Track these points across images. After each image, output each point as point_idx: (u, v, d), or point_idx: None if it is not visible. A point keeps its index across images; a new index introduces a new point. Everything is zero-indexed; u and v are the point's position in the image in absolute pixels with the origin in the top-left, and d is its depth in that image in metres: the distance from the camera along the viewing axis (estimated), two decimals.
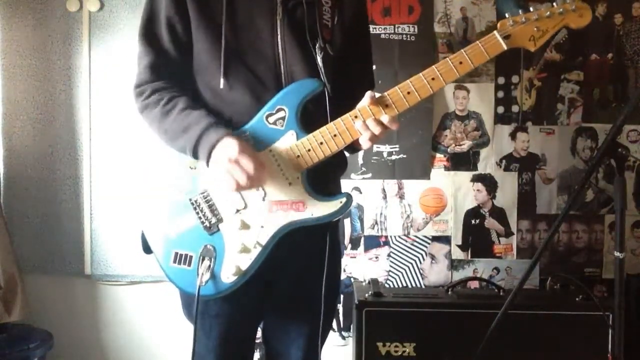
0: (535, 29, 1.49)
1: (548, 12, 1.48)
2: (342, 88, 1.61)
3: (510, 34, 1.49)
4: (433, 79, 1.50)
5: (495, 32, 1.49)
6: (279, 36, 1.56)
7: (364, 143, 1.53)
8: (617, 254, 1.74)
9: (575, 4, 1.49)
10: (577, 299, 2.40)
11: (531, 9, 1.50)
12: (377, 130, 1.50)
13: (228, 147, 1.47)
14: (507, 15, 1.50)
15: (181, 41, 1.59)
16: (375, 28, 2.66)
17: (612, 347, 2.23)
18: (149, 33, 1.60)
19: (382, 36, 2.66)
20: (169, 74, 1.61)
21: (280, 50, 1.56)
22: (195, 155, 1.53)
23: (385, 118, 1.49)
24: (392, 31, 2.67)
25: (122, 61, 2.63)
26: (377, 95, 1.52)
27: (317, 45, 1.56)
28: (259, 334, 1.82)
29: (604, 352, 2.28)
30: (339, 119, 1.52)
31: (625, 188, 1.75)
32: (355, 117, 1.51)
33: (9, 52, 2.69)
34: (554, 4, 1.49)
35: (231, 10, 1.55)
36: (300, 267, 1.65)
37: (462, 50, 1.50)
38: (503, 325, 1.93)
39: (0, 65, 2.69)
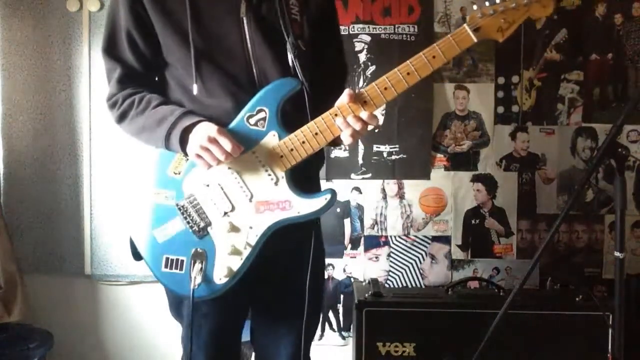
0: (502, 20, 1.49)
1: (514, 4, 1.49)
2: (317, 81, 1.60)
3: (480, 26, 1.50)
4: (408, 73, 1.51)
5: (465, 25, 1.51)
6: (247, 35, 1.55)
7: (346, 139, 1.54)
8: (617, 254, 1.74)
9: None
10: (577, 299, 2.39)
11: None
12: (357, 126, 1.50)
13: (207, 127, 1.49)
14: (474, 7, 1.51)
15: (143, 54, 1.60)
16: (375, 28, 2.66)
17: (612, 347, 2.23)
18: (111, 48, 1.61)
19: (382, 36, 2.66)
20: (136, 83, 1.62)
21: (249, 49, 1.55)
22: (167, 143, 1.53)
23: (364, 114, 1.50)
24: (392, 31, 2.67)
25: None
26: (356, 92, 1.52)
27: (289, 42, 1.55)
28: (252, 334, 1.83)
29: (604, 352, 2.28)
30: (319, 117, 1.53)
31: (625, 188, 1.75)
32: (335, 115, 1.52)
33: (9, 52, 2.69)
34: None
35: (195, 13, 1.54)
36: (286, 265, 1.66)
37: (434, 44, 1.51)
38: (503, 325, 1.93)
39: (0, 65, 2.69)
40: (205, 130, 1.49)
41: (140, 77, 1.63)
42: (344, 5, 2.63)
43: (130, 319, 2.81)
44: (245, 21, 1.55)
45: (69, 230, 2.74)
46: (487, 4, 1.49)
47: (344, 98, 1.52)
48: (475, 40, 1.50)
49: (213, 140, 1.48)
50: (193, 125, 1.51)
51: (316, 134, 1.53)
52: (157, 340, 2.78)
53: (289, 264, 1.66)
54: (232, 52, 1.55)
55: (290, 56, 1.54)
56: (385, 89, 1.51)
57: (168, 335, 2.70)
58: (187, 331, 1.68)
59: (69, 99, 2.70)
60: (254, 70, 1.56)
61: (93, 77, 2.68)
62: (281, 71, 1.56)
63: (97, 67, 2.68)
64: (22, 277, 2.61)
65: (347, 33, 2.63)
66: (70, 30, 2.68)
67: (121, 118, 1.61)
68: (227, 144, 1.48)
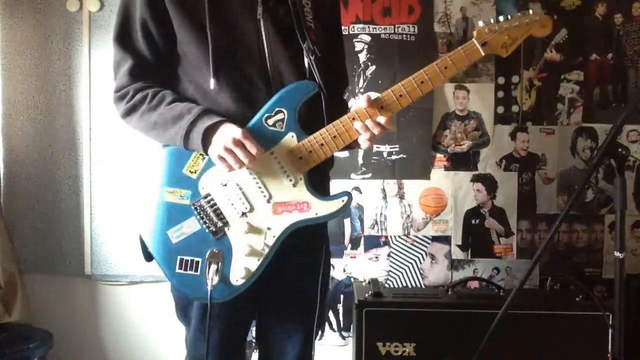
0: (506, 37, 1.59)
1: (517, 22, 1.59)
2: (326, 86, 1.62)
3: (487, 41, 1.58)
4: (422, 82, 1.57)
5: (474, 39, 1.58)
6: (263, 35, 1.57)
7: (363, 143, 1.59)
8: (617, 254, 1.74)
9: (539, 16, 1.60)
10: (577, 299, 2.40)
11: (515, 13, 1.60)
12: (376, 130, 1.55)
13: (232, 129, 1.49)
14: (480, 23, 1.59)
15: (157, 45, 1.58)
16: (375, 28, 2.66)
17: (612, 347, 2.23)
18: (123, 37, 1.59)
19: (382, 36, 2.66)
20: (148, 76, 1.60)
21: (265, 50, 1.57)
22: (186, 142, 1.52)
23: (382, 119, 1.54)
24: (392, 31, 2.67)
25: None
26: (373, 96, 1.56)
27: (306, 46, 1.58)
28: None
29: (604, 352, 2.28)
30: (337, 121, 1.56)
31: (625, 188, 1.75)
32: (353, 118, 1.55)
33: (9, 52, 2.69)
34: (524, 13, 1.60)
35: (214, 10, 1.54)
36: (295, 265, 1.66)
37: (446, 55, 1.57)
38: (503, 325, 1.93)
39: (0, 65, 2.69)
40: (230, 132, 1.48)
41: (151, 70, 1.60)
42: (344, 5, 2.62)
43: (130, 319, 2.81)
44: (262, 23, 1.56)
45: (69, 230, 2.74)
46: (492, 21, 1.59)
47: (362, 102, 1.55)
48: (483, 54, 1.57)
49: (238, 143, 1.47)
50: (215, 125, 1.50)
51: (335, 136, 1.56)
52: (157, 340, 2.78)
53: (299, 265, 1.67)
54: (249, 51, 1.57)
55: (307, 60, 1.57)
56: (401, 95, 1.56)
57: (168, 335, 2.71)
58: (195, 334, 1.67)
59: (69, 99, 2.70)
60: (269, 71, 1.57)
61: (93, 77, 2.68)
62: (296, 73, 1.58)
63: (97, 67, 2.68)
64: (22, 277, 2.61)
65: (347, 33, 2.62)
66: (70, 30, 2.67)
67: (129, 112, 1.59)
68: (252, 148, 1.48)
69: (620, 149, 1.73)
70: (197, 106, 1.55)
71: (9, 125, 2.71)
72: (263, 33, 1.56)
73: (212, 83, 1.54)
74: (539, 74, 2.68)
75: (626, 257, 1.77)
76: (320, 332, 1.84)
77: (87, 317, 2.81)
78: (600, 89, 2.69)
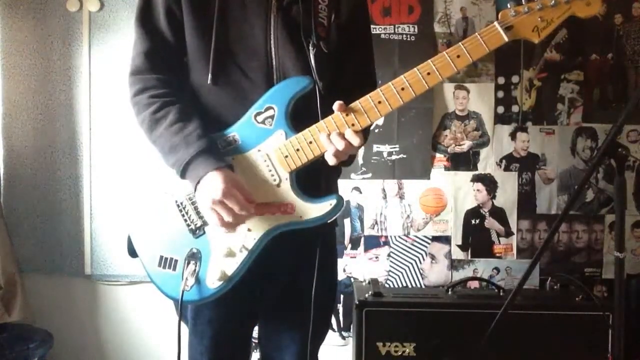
0: (539, 19, 1.40)
1: (553, 1, 1.39)
2: (340, 88, 1.57)
3: (512, 24, 1.40)
4: (429, 73, 1.42)
5: (495, 22, 1.41)
6: (271, 33, 1.53)
7: (329, 159, 1.47)
8: (617, 254, 1.74)
9: None
10: (577, 299, 2.40)
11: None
12: (340, 145, 1.44)
13: (212, 186, 1.42)
14: (508, 5, 1.41)
15: (179, 27, 1.56)
16: (375, 28, 2.65)
17: (612, 347, 2.23)
18: (145, 17, 1.56)
19: (382, 36, 2.66)
20: (164, 64, 1.57)
21: (272, 47, 1.53)
22: (182, 178, 1.50)
23: (348, 132, 1.44)
24: (392, 31, 2.67)
25: (122, 61, 2.63)
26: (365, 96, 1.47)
27: (310, 42, 1.52)
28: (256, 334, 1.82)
29: (604, 352, 2.28)
30: (329, 117, 1.47)
31: (625, 188, 1.75)
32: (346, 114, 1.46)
33: (9, 52, 2.69)
34: None
35: (224, 6, 1.53)
36: (292, 271, 1.63)
37: (460, 43, 1.42)
38: (503, 325, 1.93)
39: (0, 65, 2.69)
40: (210, 192, 1.42)
41: (167, 55, 1.57)
42: None
43: (130, 319, 2.81)
44: (272, 20, 1.53)
45: (69, 230, 2.73)
46: (523, 1, 1.40)
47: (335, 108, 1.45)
48: (506, 39, 1.40)
49: (219, 203, 1.41)
50: (203, 176, 1.44)
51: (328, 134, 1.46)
52: (157, 340, 2.78)
53: (295, 271, 1.62)
54: (254, 49, 1.54)
55: (310, 55, 1.51)
56: (403, 89, 1.43)
57: (168, 335, 2.70)
58: (190, 336, 1.65)
59: (69, 99, 2.70)
60: (274, 69, 1.54)
61: (93, 77, 2.68)
62: (302, 71, 1.53)
63: (97, 67, 2.68)
64: (22, 277, 2.61)
65: None
66: (70, 30, 2.67)
67: (134, 105, 1.57)
68: (234, 205, 1.41)
69: (620, 149, 1.73)
70: (193, 143, 1.47)
71: (9, 125, 2.71)
72: (272, 30, 1.53)
73: (209, 78, 1.52)
74: (539, 74, 2.68)
75: (626, 257, 1.77)
76: (321, 337, 1.78)
77: (87, 317, 2.81)
78: (600, 89, 2.69)
